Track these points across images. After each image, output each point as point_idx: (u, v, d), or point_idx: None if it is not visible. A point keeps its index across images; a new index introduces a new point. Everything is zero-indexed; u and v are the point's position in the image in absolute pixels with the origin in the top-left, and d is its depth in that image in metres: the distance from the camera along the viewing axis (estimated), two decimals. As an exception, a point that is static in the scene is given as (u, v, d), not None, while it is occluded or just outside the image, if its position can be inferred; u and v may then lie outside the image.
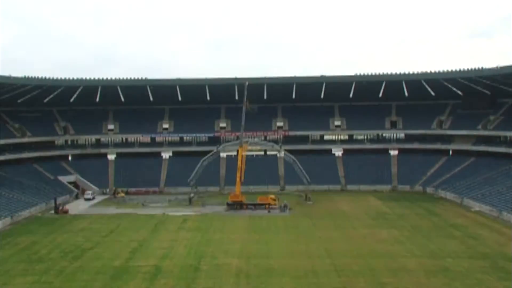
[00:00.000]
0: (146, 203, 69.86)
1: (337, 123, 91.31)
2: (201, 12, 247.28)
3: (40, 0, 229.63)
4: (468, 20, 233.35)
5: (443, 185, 75.92)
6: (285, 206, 63.98)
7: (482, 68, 71.46)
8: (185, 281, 35.45)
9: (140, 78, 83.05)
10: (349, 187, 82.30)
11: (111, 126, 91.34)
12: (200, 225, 55.02)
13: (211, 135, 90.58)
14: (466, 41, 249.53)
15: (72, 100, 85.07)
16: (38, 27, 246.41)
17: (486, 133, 78.63)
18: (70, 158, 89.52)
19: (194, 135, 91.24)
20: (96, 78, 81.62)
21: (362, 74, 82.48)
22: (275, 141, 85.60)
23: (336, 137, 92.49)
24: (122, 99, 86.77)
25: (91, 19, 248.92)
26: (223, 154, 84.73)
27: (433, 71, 78.44)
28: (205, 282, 35.24)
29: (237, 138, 74.24)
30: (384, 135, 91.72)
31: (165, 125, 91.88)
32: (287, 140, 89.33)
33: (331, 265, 38.84)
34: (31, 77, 75.68)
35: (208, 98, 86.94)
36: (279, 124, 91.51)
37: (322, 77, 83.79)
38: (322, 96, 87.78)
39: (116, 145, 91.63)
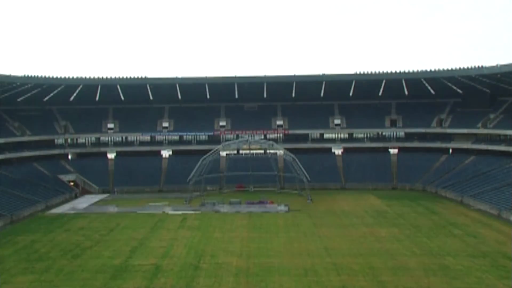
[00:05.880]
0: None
1: (337, 121, 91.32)
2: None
3: None
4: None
5: (443, 184, 75.93)
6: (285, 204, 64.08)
7: (482, 66, 71.34)
8: (185, 280, 35.48)
9: (139, 77, 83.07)
10: (349, 185, 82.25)
11: (111, 125, 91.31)
12: (199, 223, 55.06)
13: (211, 133, 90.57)
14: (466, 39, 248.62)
15: (72, 98, 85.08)
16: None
17: (486, 131, 78.63)
18: (70, 157, 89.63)
19: (194, 133, 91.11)
20: (96, 77, 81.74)
21: (362, 72, 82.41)
22: (275, 140, 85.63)
23: (336, 135, 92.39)
24: (122, 98, 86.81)
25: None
26: (223, 153, 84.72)
27: (433, 69, 78.53)
28: (205, 280, 35.25)
29: (237, 136, 73.66)
30: (384, 133, 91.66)
31: (165, 124, 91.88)
32: (287, 138, 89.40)
33: (331, 263, 38.85)
34: (31, 75, 75.65)
35: (208, 96, 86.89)
36: (279, 122, 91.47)
37: (322, 75, 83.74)
38: (322, 94, 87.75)
39: (116, 143, 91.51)
